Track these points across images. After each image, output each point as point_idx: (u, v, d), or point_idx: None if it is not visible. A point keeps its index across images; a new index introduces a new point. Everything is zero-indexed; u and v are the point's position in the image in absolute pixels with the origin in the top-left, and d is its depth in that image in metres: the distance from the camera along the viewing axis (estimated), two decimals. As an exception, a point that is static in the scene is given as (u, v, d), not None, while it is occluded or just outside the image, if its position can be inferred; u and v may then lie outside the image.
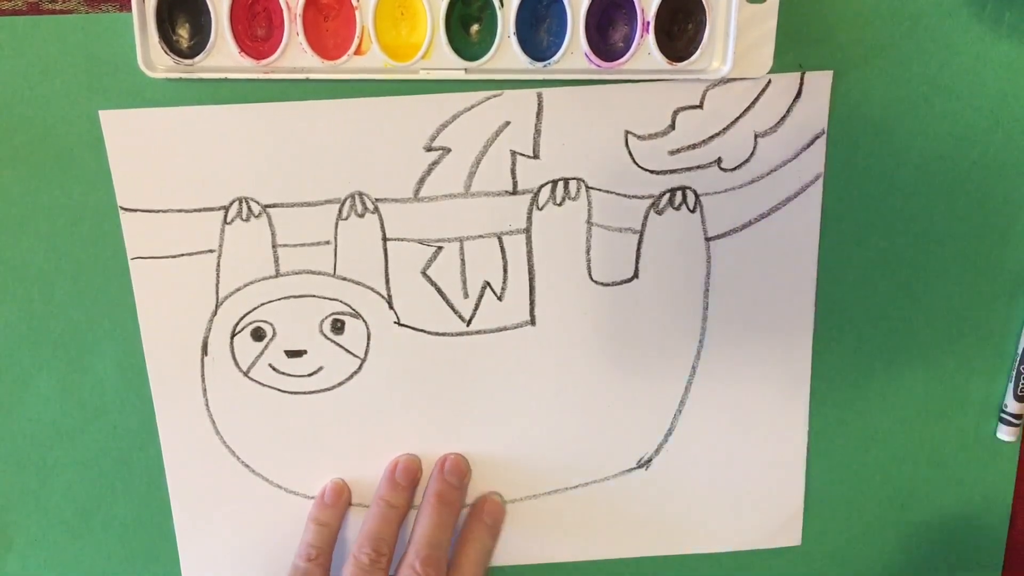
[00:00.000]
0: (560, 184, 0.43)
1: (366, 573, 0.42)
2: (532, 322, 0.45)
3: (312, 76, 0.40)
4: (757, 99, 0.42)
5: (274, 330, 0.44)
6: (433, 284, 0.44)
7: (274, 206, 0.42)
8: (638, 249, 0.44)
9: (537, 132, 0.42)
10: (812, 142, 0.43)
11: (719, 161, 0.43)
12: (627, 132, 0.42)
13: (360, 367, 0.45)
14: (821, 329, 0.46)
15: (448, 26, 0.39)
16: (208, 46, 0.39)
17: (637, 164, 0.43)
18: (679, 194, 0.43)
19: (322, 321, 0.44)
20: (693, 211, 0.44)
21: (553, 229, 0.43)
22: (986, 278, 0.46)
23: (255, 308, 0.44)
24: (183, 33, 0.40)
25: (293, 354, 0.44)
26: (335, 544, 0.45)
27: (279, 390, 0.45)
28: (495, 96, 0.41)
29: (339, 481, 0.46)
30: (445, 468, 0.45)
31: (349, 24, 0.39)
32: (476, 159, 0.42)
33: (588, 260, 0.44)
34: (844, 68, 0.42)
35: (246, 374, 0.45)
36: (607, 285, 0.44)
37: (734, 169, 0.43)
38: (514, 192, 0.43)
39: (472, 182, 0.43)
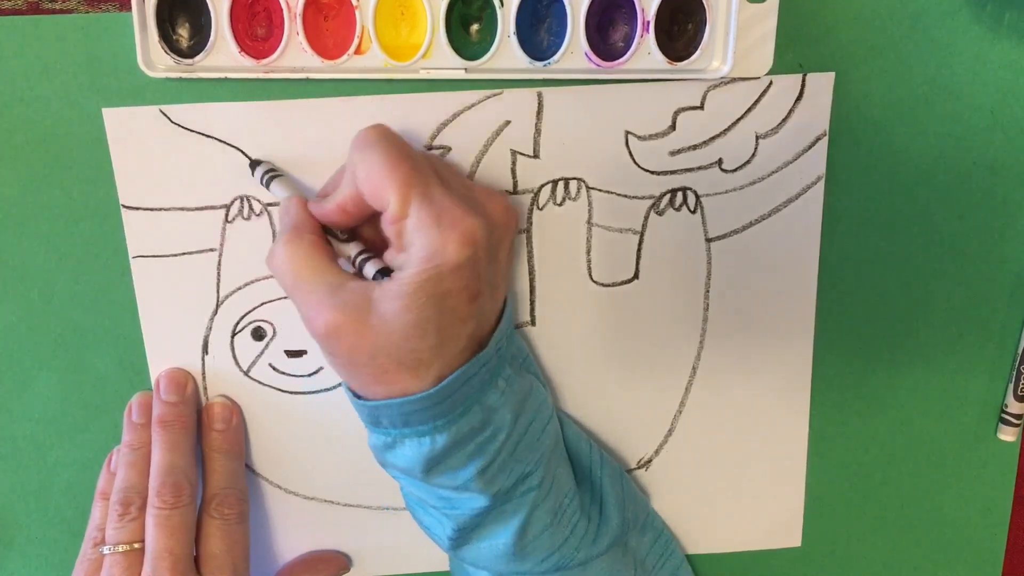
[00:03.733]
0: (560, 184, 0.43)
1: (118, 525, 0.40)
2: (532, 322, 0.45)
3: (312, 76, 0.40)
4: (758, 100, 0.42)
5: (275, 330, 0.44)
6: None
7: (275, 205, 0.42)
8: (638, 250, 0.44)
9: (537, 132, 0.42)
10: (814, 144, 0.43)
11: (720, 162, 0.43)
12: (627, 132, 0.42)
13: (360, 367, 0.45)
14: (822, 330, 0.46)
15: (448, 26, 0.39)
16: (208, 46, 0.39)
17: (637, 164, 0.43)
18: (680, 195, 0.43)
19: (322, 321, 0.44)
20: (694, 212, 0.44)
21: (553, 229, 0.43)
22: (986, 278, 0.46)
23: (256, 307, 0.44)
24: (183, 33, 0.40)
25: (293, 354, 0.44)
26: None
27: (279, 390, 0.45)
28: (495, 95, 0.41)
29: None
30: (160, 389, 0.44)
31: (349, 24, 0.39)
32: (476, 158, 0.42)
33: (588, 260, 0.44)
34: (844, 68, 0.42)
35: (246, 373, 0.45)
36: (607, 285, 0.44)
37: (735, 170, 0.43)
38: (514, 192, 0.43)
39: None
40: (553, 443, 0.41)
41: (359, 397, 0.38)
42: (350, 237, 0.39)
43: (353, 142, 0.36)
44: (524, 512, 0.39)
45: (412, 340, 0.35)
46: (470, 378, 0.36)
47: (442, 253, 0.34)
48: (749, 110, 0.42)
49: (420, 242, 0.35)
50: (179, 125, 0.41)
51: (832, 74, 0.42)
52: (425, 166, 0.36)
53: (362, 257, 0.38)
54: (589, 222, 0.43)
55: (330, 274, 0.36)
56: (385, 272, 0.37)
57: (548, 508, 0.40)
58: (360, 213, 0.37)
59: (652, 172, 0.43)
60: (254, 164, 0.41)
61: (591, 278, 0.44)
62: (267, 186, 0.40)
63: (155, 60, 0.39)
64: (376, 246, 0.39)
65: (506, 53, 0.40)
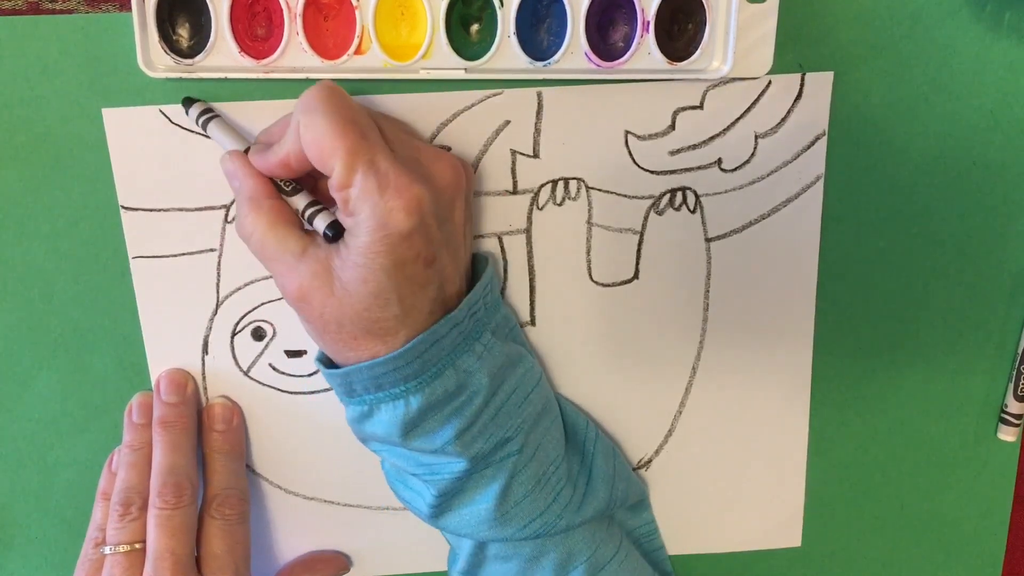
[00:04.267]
0: (560, 184, 0.43)
1: (119, 525, 0.40)
2: (532, 322, 0.45)
3: (312, 76, 0.40)
4: (757, 100, 0.42)
5: (274, 330, 0.44)
6: (433, 284, 0.44)
7: (274, 206, 0.42)
8: (638, 250, 0.44)
9: (537, 131, 0.42)
10: (813, 143, 0.43)
11: (719, 162, 0.43)
12: (627, 132, 0.42)
13: (360, 367, 0.45)
14: (821, 329, 0.46)
15: (448, 26, 0.39)
16: (208, 46, 0.39)
17: (637, 164, 0.43)
18: (679, 195, 0.43)
19: (322, 321, 0.44)
20: (693, 212, 0.44)
21: (553, 229, 0.43)
22: (986, 278, 0.46)
23: (256, 308, 0.44)
24: (183, 33, 0.40)
25: (293, 354, 0.44)
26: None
27: (279, 390, 0.45)
28: (495, 95, 0.41)
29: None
30: (161, 390, 0.44)
31: (349, 24, 0.39)
32: (476, 158, 0.42)
33: (588, 260, 0.44)
34: (844, 68, 0.42)
35: (246, 374, 0.45)
36: (607, 285, 0.44)
37: (734, 170, 0.43)
38: (514, 192, 0.43)
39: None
40: (538, 412, 0.41)
41: (334, 367, 0.38)
42: (296, 187, 0.39)
43: (299, 102, 0.36)
44: (505, 476, 0.39)
45: (374, 310, 0.36)
46: (439, 339, 0.37)
47: (388, 223, 0.34)
48: (748, 110, 0.42)
49: (366, 211, 0.35)
50: (179, 125, 0.41)
51: (831, 74, 0.42)
52: (371, 132, 0.36)
53: (311, 211, 0.38)
54: (589, 222, 0.43)
55: (292, 240, 0.37)
56: (336, 227, 0.37)
57: (531, 474, 0.40)
58: (303, 168, 0.37)
59: (652, 172, 0.43)
60: (188, 102, 0.40)
61: (591, 278, 0.44)
62: (203, 128, 0.40)
63: (155, 60, 0.39)
64: (326, 194, 0.39)
65: (506, 53, 0.40)
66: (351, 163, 0.34)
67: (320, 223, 0.37)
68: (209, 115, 0.40)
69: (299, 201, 0.38)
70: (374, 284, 0.35)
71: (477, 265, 0.41)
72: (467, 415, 0.38)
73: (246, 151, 0.39)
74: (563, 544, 0.42)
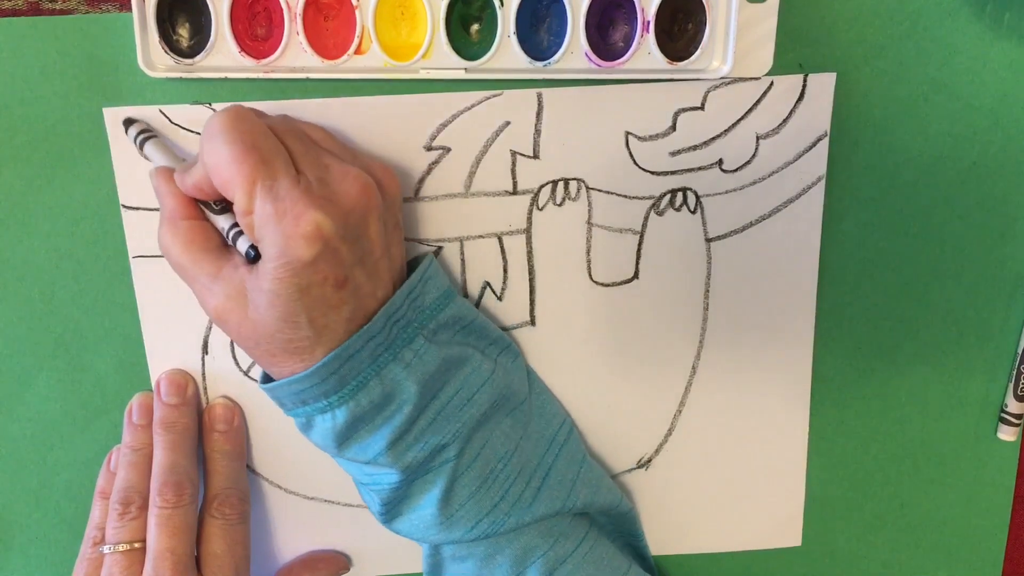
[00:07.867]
0: (560, 184, 0.43)
1: (118, 524, 0.40)
2: (532, 322, 0.45)
3: (312, 76, 0.40)
4: (759, 101, 0.42)
5: (274, 330, 0.44)
6: (433, 284, 0.44)
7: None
8: (638, 250, 0.44)
9: (537, 132, 0.42)
10: (814, 144, 0.43)
11: (720, 162, 0.43)
12: (627, 133, 0.42)
13: (360, 367, 0.45)
14: (822, 330, 0.46)
15: (448, 26, 0.39)
16: (208, 46, 0.39)
17: (638, 165, 0.43)
18: (680, 195, 0.43)
19: (322, 321, 0.44)
20: (694, 212, 0.44)
21: (553, 229, 0.43)
22: (986, 278, 0.46)
23: (255, 308, 0.44)
24: (183, 33, 0.40)
25: (293, 354, 0.44)
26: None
27: (279, 390, 0.45)
28: (495, 96, 0.41)
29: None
30: (161, 391, 0.44)
31: (349, 24, 0.39)
32: (476, 159, 0.42)
33: (588, 261, 0.44)
34: (844, 69, 0.42)
35: (246, 374, 0.45)
36: (607, 286, 0.44)
37: (735, 170, 0.43)
38: (514, 192, 0.43)
39: (472, 182, 0.43)
40: (483, 412, 0.40)
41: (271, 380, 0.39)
42: (224, 207, 0.38)
43: (204, 127, 0.36)
44: (443, 481, 0.39)
45: (286, 331, 0.35)
46: (355, 353, 0.36)
47: (289, 250, 0.34)
48: (750, 111, 0.42)
49: (268, 238, 0.34)
50: (179, 125, 0.41)
51: (833, 75, 0.42)
52: (274, 156, 0.35)
53: (235, 231, 0.37)
54: (589, 222, 0.43)
55: (207, 262, 0.37)
56: (256, 248, 0.36)
57: (475, 475, 0.40)
58: (216, 192, 0.37)
59: (652, 172, 0.43)
60: (128, 123, 0.40)
61: (591, 278, 0.44)
62: (140, 148, 0.40)
63: (155, 60, 0.39)
64: None
65: (506, 53, 0.40)
66: (250, 190, 0.34)
67: (243, 244, 0.37)
68: (147, 135, 0.40)
69: (224, 221, 0.38)
70: (282, 308, 0.35)
71: (415, 266, 0.40)
72: (397, 425, 0.37)
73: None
74: (517, 541, 0.41)
